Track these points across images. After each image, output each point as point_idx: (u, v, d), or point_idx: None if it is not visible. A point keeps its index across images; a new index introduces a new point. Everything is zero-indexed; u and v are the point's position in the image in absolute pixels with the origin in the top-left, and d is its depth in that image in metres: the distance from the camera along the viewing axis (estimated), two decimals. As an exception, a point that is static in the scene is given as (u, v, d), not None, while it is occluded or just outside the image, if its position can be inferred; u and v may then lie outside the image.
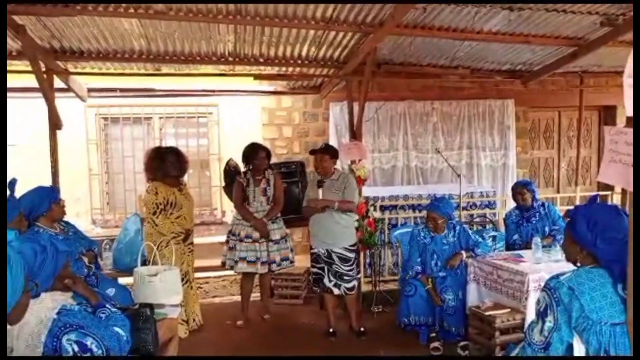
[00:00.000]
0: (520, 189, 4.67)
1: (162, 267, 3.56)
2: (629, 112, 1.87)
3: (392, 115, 6.95)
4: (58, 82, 5.23)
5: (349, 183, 4.20)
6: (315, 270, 4.26)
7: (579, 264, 2.05)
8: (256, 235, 4.47)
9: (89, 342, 1.78)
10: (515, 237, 4.64)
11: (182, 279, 3.88)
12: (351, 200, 4.17)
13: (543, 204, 4.66)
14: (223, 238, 4.86)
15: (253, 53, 5.18)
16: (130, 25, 4.32)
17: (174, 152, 4.32)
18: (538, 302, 2.03)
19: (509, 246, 4.66)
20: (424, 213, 4.71)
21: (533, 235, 4.29)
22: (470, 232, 4.32)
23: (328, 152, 4.23)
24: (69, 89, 5.56)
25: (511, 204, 6.93)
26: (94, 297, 2.14)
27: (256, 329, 4.56)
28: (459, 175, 5.33)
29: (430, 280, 4.06)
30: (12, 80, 5.61)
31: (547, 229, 4.51)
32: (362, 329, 4.29)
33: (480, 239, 4.45)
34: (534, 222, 4.59)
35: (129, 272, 3.88)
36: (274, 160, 5.20)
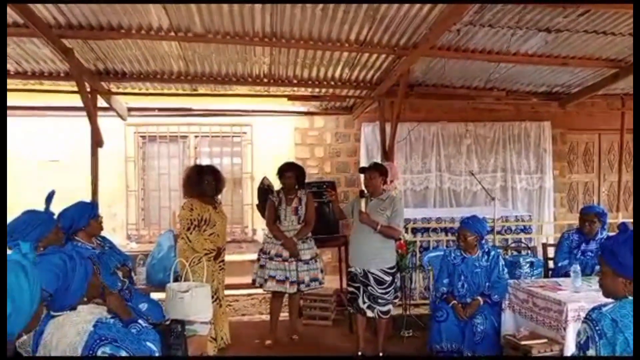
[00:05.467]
0: (590, 217, 4.12)
1: (193, 283, 3.60)
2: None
3: (425, 136, 6.90)
4: (100, 102, 5.46)
5: (396, 208, 4.09)
6: (351, 289, 4.21)
7: (629, 296, 1.95)
8: (286, 254, 4.47)
9: (122, 354, 1.81)
10: (566, 262, 4.17)
11: (212, 297, 3.91)
12: (397, 228, 4.10)
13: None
14: (253, 256, 4.88)
15: (287, 74, 5.28)
16: (170, 48, 4.49)
17: (213, 171, 4.38)
18: (579, 333, 1.94)
19: (556, 270, 4.30)
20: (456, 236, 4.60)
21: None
22: (502, 264, 3.99)
23: (377, 170, 4.20)
24: (110, 108, 5.79)
25: (547, 230, 6.77)
26: (125, 313, 2.17)
27: (284, 349, 4.53)
28: (493, 199, 5.22)
29: (459, 304, 3.93)
30: (57, 100, 5.91)
31: (597, 268, 3.78)
32: (381, 354, 4.18)
33: (504, 270, 4.08)
34: (588, 256, 4.14)
35: (161, 287, 3.94)
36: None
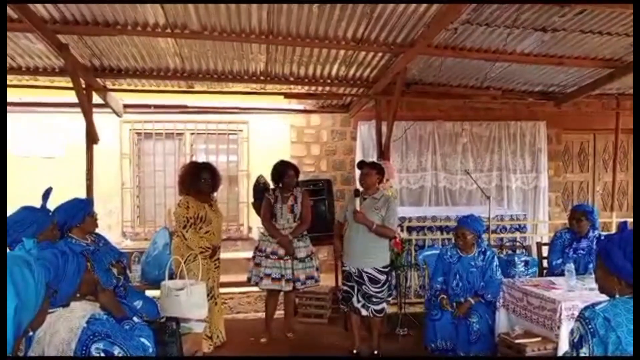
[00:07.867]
0: (578, 215, 4.21)
1: (188, 281, 3.59)
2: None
3: (421, 135, 6.91)
4: (96, 98, 5.43)
5: (391, 208, 4.12)
6: (345, 288, 4.21)
7: (617, 295, 1.96)
8: (282, 252, 4.47)
9: (116, 351, 1.81)
10: (559, 261, 4.22)
11: (207, 295, 3.90)
12: (392, 228, 4.13)
13: (599, 238, 4.03)
14: (249, 254, 4.87)
15: (284, 72, 5.27)
16: (166, 45, 4.47)
17: (210, 169, 4.37)
18: (572, 332, 1.95)
19: (551, 269, 4.32)
20: (451, 235, 4.60)
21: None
22: (495, 264, 4.00)
23: (375, 168, 4.22)
24: (106, 105, 5.76)
25: (541, 229, 6.80)
26: (118, 310, 2.16)
27: (279, 346, 4.53)
28: (488, 198, 5.23)
29: (451, 303, 3.94)
30: (52, 96, 5.88)
31: (591, 266, 3.98)
32: (376, 352, 4.19)
33: (498, 270, 4.08)
34: (580, 254, 4.19)
35: (156, 284, 3.93)
36: (301, 177, 5.22)
